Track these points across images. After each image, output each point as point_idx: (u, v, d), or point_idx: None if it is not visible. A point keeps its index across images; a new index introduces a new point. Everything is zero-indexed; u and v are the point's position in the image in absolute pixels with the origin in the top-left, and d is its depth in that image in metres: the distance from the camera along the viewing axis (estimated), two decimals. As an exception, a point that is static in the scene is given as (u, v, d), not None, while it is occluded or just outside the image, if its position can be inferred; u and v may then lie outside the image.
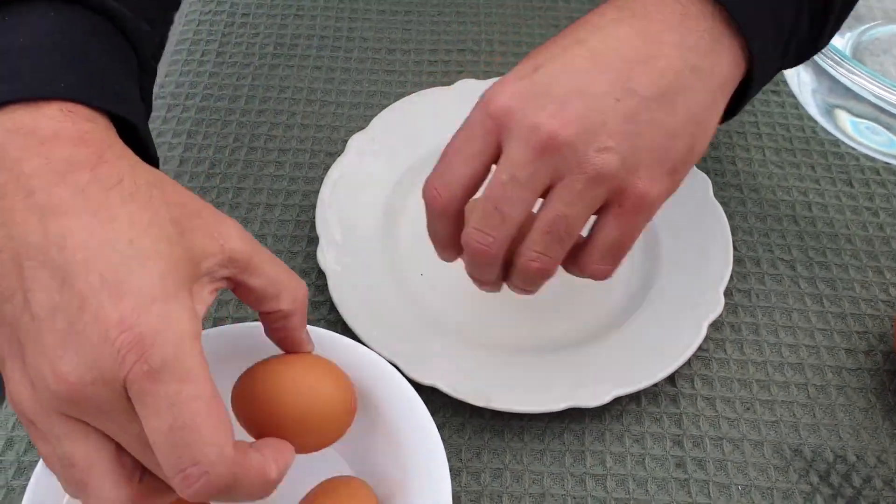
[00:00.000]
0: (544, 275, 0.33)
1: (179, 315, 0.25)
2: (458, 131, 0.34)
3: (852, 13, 0.58)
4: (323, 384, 0.32)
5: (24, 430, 0.39)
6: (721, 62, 0.33)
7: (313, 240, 0.47)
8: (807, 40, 0.37)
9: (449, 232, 0.35)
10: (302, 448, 0.31)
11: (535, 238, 0.32)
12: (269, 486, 0.28)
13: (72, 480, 0.26)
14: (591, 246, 0.33)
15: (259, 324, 0.33)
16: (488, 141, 0.32)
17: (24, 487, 0.34)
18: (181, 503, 0.28)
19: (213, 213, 0.29)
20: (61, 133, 0.27)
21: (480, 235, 0.32)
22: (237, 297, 0.31)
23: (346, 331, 0.42)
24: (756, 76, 0.34)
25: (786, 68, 0.38)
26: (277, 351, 0.33)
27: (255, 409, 0.31)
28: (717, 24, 0.33)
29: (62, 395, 0.25)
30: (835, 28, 0.39)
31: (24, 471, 0.38)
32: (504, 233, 0.32)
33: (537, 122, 0.31)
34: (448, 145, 0.34)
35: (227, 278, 0.29)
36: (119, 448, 0.26)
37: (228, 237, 0.28)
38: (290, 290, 0.31)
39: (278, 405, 0.31)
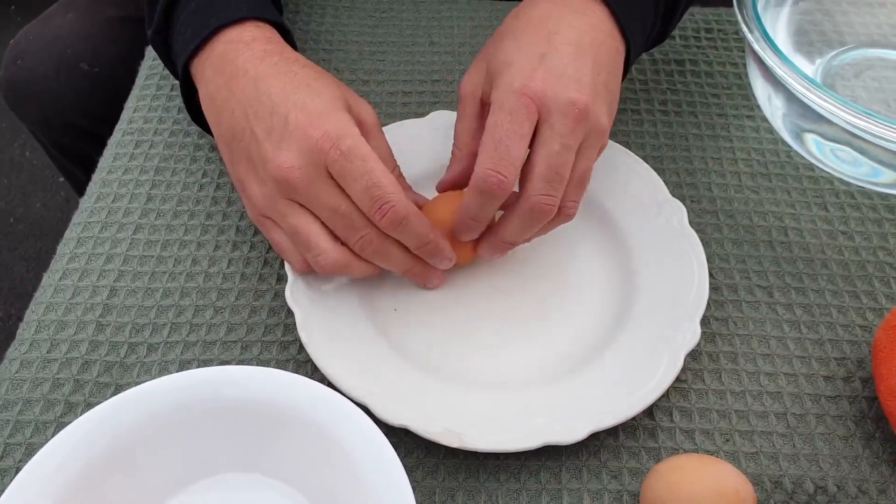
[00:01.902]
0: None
1: (347, 121, 0.40)
2: (497, 117, 0.39)
3: (822, 38, 0.59)
4: None
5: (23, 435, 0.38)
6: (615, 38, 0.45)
7: (282, 277, 0.47)
8: (658, 35, 0.52)
9: (494, 210, 0.41)
10: None
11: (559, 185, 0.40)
12: (425, 240, 0.41)
13: (300, 243, 0.41)
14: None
15: (242, 367, 0.37)
16: (533, 120, 0.39)
17: None
18: None
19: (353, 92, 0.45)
20: (257, 37, 0.44)
21: (549, 199, 0.40)
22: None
23: (316, 371, 0.41)
24: (631, 60, 0.46)
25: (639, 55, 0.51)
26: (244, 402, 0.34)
27: None
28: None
29: (282, 178, 0.39)
30: (676, 23, 0.54)
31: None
32: (562, 192, 0.40)
33: (572, 98, 0.39)
34: (493, 131, 0.39)
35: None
36: (323, 224, 0.41)
37: (364, 107, 0.44)
38: (389, 160, 0.45)
39: None
